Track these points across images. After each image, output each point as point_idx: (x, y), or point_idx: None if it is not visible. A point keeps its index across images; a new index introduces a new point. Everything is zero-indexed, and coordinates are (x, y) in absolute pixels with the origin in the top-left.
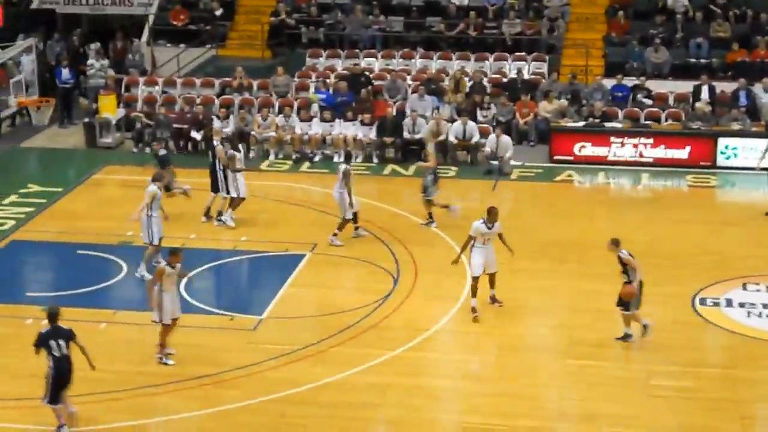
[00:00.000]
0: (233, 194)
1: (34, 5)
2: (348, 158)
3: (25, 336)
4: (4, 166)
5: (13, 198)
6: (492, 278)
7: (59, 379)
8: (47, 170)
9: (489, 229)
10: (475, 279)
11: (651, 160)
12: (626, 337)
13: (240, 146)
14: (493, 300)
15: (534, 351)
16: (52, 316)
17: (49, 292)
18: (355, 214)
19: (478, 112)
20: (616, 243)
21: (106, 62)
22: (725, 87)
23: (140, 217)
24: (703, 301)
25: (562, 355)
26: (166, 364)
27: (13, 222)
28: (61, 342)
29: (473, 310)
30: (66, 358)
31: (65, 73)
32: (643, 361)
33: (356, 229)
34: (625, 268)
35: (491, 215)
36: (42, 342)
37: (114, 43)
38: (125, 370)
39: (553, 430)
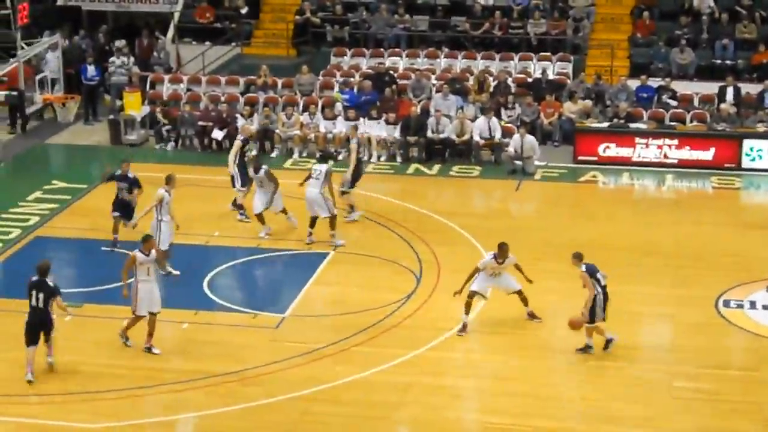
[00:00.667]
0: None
1: (59, 2)
2: (325, 159)
3: None
4: (28, 163)
5: (37, 194)
6: (521, 296)
7: (29, 326)
8: (72, 167)
9: (499, 264)
10: (471, 295)
11: (675, 161)
12: (586, 349)
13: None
14: (532, 316)
15: (555, 352)
16: (42, 270)
17: (72, 288)
18: (314, 219)
19: (503, 112)
20: (578, 257)
21: (131, 59)
22: (750, 89)
23: (136, 223)
24: (726, 303)
25: (584, 356)
26: (152, 352)
27: (37, 218)
28: (41, 295)
29: (464, 326)
30: (40, 311)
31: (90, 70)
32: (666, 362)
33: (310, 234)
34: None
35: (502, 251)
36: (27, 289)
37: (140, 40)
38: (149, 366)
39: (573, 431)
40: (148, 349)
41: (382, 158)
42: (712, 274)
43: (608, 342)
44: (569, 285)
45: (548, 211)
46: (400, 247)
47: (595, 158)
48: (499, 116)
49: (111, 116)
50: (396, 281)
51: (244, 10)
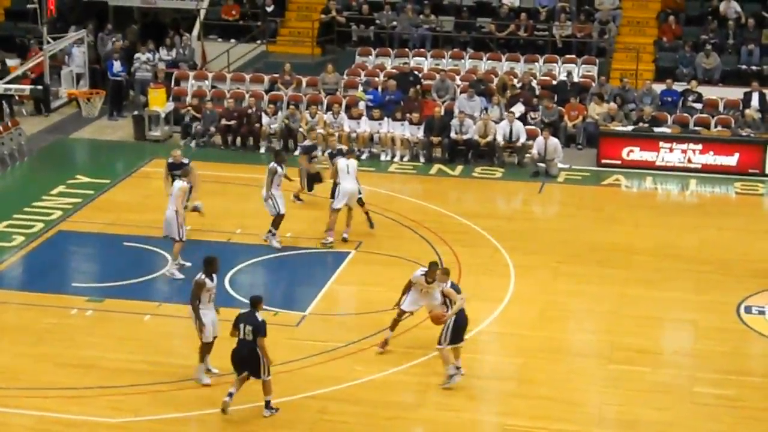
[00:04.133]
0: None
1: None
2: (280, 160)
3: (69, 326)
4: (53, 157)
5: (60, 188)
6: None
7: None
8: (95, 162)
9: (428, 283)
10: (401, 313)
11: (699, 166)
12: (451, 378)
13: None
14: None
15: (576, 355)
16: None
17: (95, 283)
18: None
19: (527, 114)
20: (446, 273)
21: (156, 56)
22: None
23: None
24: (748, 309)
25: (604, 359)
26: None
27: (60, 212)
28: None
29: (385, 342)
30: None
31: (116, 65)
32: (686, 367)
33: (270, 231)
34: (446, 300)
35: (430, 271)
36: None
37: (168, 37)
38: (169, 362)
39: None
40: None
41: (405, 158)
42: (735, 280)
43: (450, 377)
44: (591, 288)
45: (571, 213)
46: (422, 247)
47: (618, 162)
48: (523, 118)
49: (135, 112)
50: None
51: (270, 8)
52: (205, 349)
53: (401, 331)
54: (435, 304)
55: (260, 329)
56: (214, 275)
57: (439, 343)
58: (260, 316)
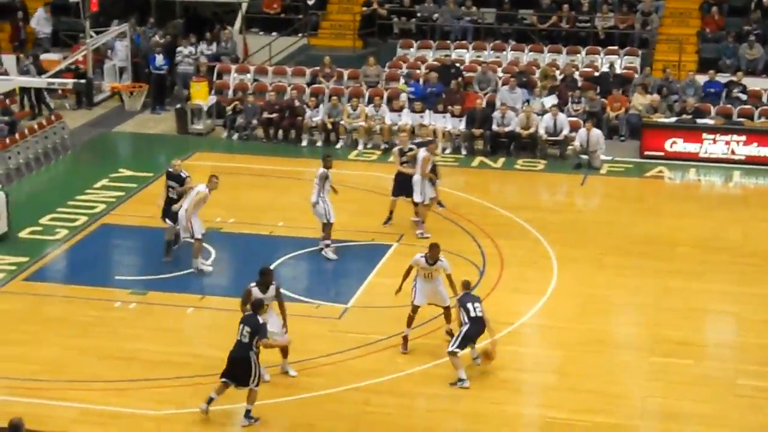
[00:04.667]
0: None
1: None
2: (329, 165)
3: (112, 319)
4: (96, 151)
5: (104, 182)
6: (446, 312)
7: None
8: (138, 155)
9: (430, 265)
10: (414, 308)
11: (743, 157)
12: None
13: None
14: (449, 333)
15: (618, 347)
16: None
17: (138, 276)
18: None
19: (570, 106)
20: (466, 285)
21: (210, 47)
22: None
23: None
24: None
25: (647, 352)
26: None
27: (103, 206)
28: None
29: (404, 339)
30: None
31: (159, 59)
32: (730, 360)
33: (325, 243)
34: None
35: (432, 252)
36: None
37: (210, 30)
38: (211, 355)
39: (635, 428)
40: (285, 372)
41: (447, 150)
42: None
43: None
44: (633, 281)
45: (614, 206)
46: (464, 240)
47: (661, 153)
48: (561, 110)
49: (178, 105)
50: (458, 274)
51: (311, 1)
52: (284, 350)
53: (443, 323)
54: (440, 299)
55: (259, 331)
56: (269, 286)
57: (450, 348)
58: (261, 318)
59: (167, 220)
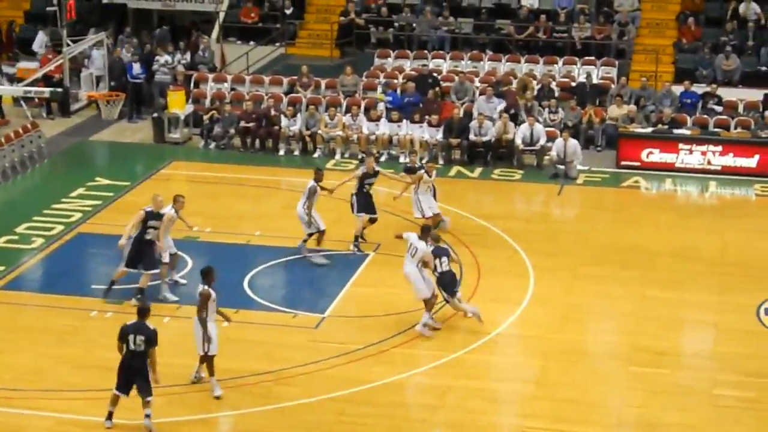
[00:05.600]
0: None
1: (105, 0)
2: (319, 178)
3: (89, 327)
4: (72, 159)
5: (80, 191)
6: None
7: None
8: (115, 164)
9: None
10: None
11: (719, 168)
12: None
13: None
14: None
15: (596, 357)
16: (141, 312)
17: (114, 285)
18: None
19: (546, 116)
20: (435, 238)
21: (185, 56)
22: None
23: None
24: None
25: (624, 361)
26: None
27: (80, 214)
28: (139, 338)
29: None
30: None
31: (136, 67)
32: (707, 369)
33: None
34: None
35: (423, 234)
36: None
37: (187, 39)
38: (187, 364)
39: None
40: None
41: (425, 160)
42: (755, 282)
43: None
44: (611, 290)
45: (590, 215)
46: None
47: (638, 163)
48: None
49: (155, 114)
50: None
51: (288, 11)
52: (212, 362)
53: (418, 334)
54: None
55: (152, 339)
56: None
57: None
58: (151, 325)
59: (142, 268)
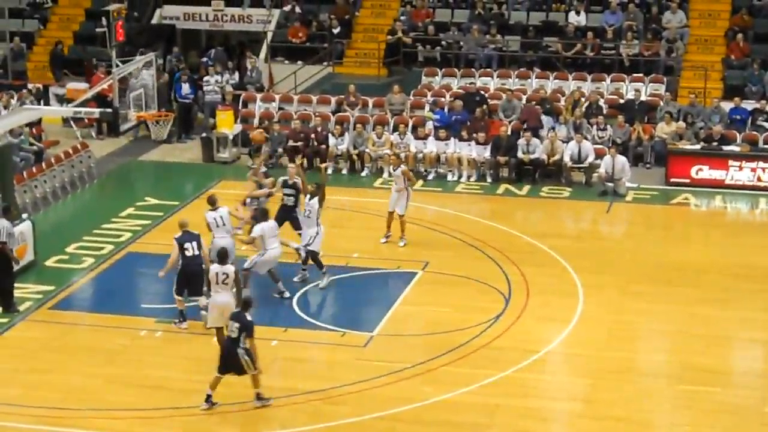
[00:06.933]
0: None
1: (154, 21)
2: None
3: (138, 347)
4: (122, 179)
5: (129, 210)
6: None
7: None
8: (164, 184)
9: None
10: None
11: None
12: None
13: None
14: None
15: (645, 375)
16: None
17: (164, 304)
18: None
19: (594, 133)
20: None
21: (233, 76)
22: None
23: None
24: None
25: (674, 380)
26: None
27: (129, 234)
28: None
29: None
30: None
31: (185, 88)
32: (758, 388)
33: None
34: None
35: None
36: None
37: (236, 59)
38: (236, 382)
39: None
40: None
41: (472, 178)
42: None
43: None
44: (660, 308)
45: (639, 233)
46: (489, 267)
47: (687, 180)
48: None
49: (204, 134)
50: (484, 302)
51: (336, 30)
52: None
53: (469, 351)
54: None
55: (245, 329)
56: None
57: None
58: (249, 316)
59: (190, 295)
